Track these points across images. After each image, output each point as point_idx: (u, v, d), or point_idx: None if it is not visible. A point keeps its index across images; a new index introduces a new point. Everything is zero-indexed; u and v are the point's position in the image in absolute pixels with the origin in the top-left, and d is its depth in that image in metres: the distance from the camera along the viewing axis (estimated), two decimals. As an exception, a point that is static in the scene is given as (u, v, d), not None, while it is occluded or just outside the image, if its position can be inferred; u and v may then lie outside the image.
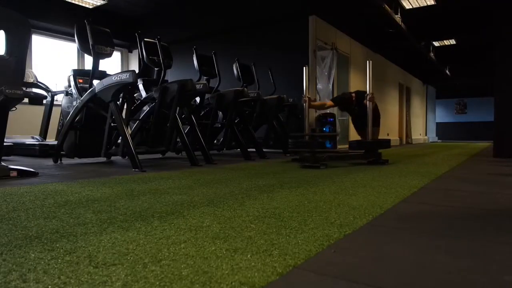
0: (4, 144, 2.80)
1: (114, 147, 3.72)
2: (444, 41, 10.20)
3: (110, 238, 1.11)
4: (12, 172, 2.63)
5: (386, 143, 4.17)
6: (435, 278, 0.82)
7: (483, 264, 0.92)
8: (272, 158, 4.55)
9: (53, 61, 7.42)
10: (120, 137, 3.42)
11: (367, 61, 3.97)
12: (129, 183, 2.35)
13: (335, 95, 7.12)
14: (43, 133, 5.29)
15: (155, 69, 4.31)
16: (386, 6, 6.68)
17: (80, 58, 7.65)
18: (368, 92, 3.92)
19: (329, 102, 4.84)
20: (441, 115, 18.06)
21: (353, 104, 4.65)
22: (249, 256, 0.95)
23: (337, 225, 1.26)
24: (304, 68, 4.24)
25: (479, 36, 9.36)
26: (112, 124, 3.47)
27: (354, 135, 8.11)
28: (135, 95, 4.18)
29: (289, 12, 6.57)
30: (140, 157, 3.25)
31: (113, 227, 1.24)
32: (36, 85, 4.95)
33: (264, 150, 4.83)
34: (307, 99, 4.22)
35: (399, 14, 7.43)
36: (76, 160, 3.95)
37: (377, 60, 9.63)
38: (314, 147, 3.60)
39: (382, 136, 10.15)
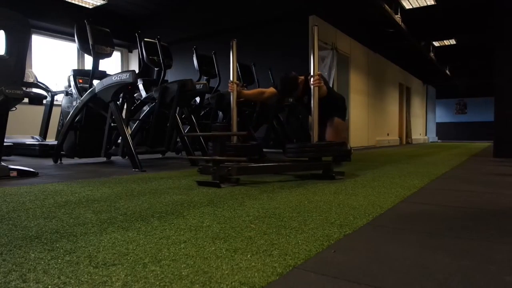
0: (4, 144, 2.80)
1: (114, 147, 3.72)
2: (444, 41, 10.20)
3: (110, 238, 1.11)
4: (12, 172, 2.63)
5: (339, 146, 2.75)
6: (435, 278, 0.82)
7: (483, 264, 0.92)
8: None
9: (53, 61, 7.42)
10: (120, 137, 3.42)
11: (313, 27, 2.81)
12: (129, 183, 2.34)
13: (335, 95, 7.12)
14: (43, 133, 5.29)
15: (155, 69, 4.31)
16: (386, 6, 6.69)
17: (80, 58, 7.65)
18: (312, 73, 2.72)
19: (270, 89, 3.45)
20: (441, 115, 18.06)
21: (301, 92, 3.31)
22: (249, 256, 0.95)
23: (337, 225, 1.26)
24: (232, 42, 3.04)
25: (479, 36, 9.37)
26: (112, 124, 3.47)
27: (354, 136, 8.14)
28: (135, 95, 4.19)
29: (289, 12, 6.57)
30: (140, 157, 3.25)
31: (113, 227, 1.24)
32: (36, 85, 4.95)
33: (264, 150, 4.83)
34: (234, 86, 3.02)
35: (399, 14, 7.43)
36: (76, 160, 3.95)
37: (377, 60, 9.64)
38: (216, 154, 2.34)
39: (382, 137, 10.20)
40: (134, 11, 7.89)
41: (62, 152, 3.71)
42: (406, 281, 0.81)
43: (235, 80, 3.04)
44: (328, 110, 3.29)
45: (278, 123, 5.58)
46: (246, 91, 3.38)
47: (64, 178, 2.62)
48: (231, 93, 3.07)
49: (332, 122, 3.47)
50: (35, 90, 4.78)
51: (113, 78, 3.30)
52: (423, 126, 15.14)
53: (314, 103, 2.70)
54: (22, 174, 2.69)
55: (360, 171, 3.08)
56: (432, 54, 10.68)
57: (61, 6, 6.92)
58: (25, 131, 5.55)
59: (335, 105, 3.52)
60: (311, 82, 2.72)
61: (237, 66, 5.30)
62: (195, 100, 4.80)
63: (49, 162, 3.84)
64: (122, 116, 3.41)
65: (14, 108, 2.62)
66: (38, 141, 5.09)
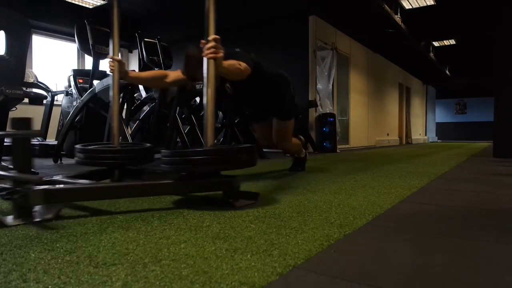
0: (4, 144, 2.81)
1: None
2: (444, 41, 10.20)
3: (110, 238, 1.11)
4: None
5: (247, 153, 1.75)
6: (435, 278, 0.82)
7: (483, 264, 0.92)
8: (272, 158, 4.55)
9: (53, 61, 7.42)
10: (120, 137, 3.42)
11: None
12: (129, 183, 2.34)
13: (335, 95, 7.12)
14: (43, 133, 5.29)
15: (155, 69, 4.31)
16: (386, 6, 6.68)
17: (80, 58, 7.65)
18: (209, 37, 1.67)
19: (177, 73, 2.31)
20: (441, 115, 18.06)
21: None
22: (249, 256, 0.95)
23: (337, 225, 1.26)
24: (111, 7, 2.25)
25: (479, 36, 9.37)
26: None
27: (354, 136, 8.14)
28: (135, 95, 4.19)
29: (289, 12, 6.56)
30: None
31: (113, 227, 1.24)
32: (36, 85, 4.95)
33: (264, 150, 4.83)
34: (115, 65, 2.14)
35: (399, 14, 7.43)
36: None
37: (377, 60, 9.64)
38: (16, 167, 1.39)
39: (382, 137, 10.20)
40: (134, 11, 7.88)
41: (62, 152, 3.71)
42: (406, 281, 0.81)
43: (116, 56, 2.16)
44: (262, 101, 2.50)
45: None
46: (135, 74, 2.38)
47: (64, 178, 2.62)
48: (112, 74, 2.19)
49: (278, 121, 2.68)
50: (35, 90, 4.77)
51: (113, 78, 3.30)
52: (423, 126, 15.14)
53: (207, 87, 1.66)
54: (22, 174, 2.68)
55: (360, 171, 3.08)
56: (432, 54, 10.68)
57: (61, 6, 6.92)
58: (25, 131, 5.54)
59: (274, 94, 2.53)
60: (204, 51, 1.65)
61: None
62: (195, 100, 4.80)
63: (49, 162, 3.84)
64: (122, 116, 3.41)
65: (14, 108, 2.62)
66: (38, 141, 5.09)
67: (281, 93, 2.59)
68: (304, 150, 3.10)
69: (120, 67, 2.14)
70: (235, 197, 1.64)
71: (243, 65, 1.97)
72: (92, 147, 2.18)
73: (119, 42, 2.22)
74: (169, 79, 2.32)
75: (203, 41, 1.67)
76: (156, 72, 2.61)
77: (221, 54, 1.65)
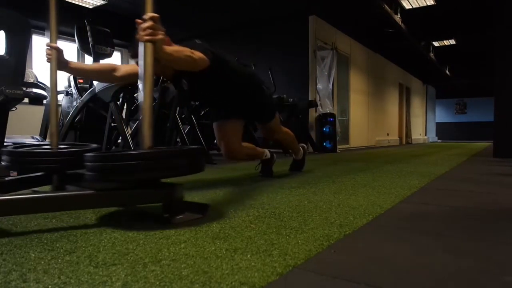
0: (4, 144, 2.81)
1: (114, 147, 3.72)
2: (444, 41, 10.20)
3: (110, 238, 1.11)
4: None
5: (180, 158, 1.37)
6: (435, 278, 0.82)
7: (483, 264, 0.92)
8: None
9: (53, 61, 7.42)
10: (120, 137, 3.42)
11: None
12: (129, 183, 2.34)
13: (335, 95, 7.12)
14: (43, 133, 5.29)
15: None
16: (386, 6, 6.69)
17: (80, 58, 7.65)
18: (145, 16, 1.42)
19: (128, 67, 2.07)
20: (441, 115, 18.06)
21: (170, 70, 1.93)
22: (249, 256, 0.95)
23: (337, 225, 1.26)
24: None
25: (479, 36, 9.37)
26: (112, 124, 3.47)
27: (354, 136, 8.14)
28: (135, 95, 4.19)
29: (289, 12, 6.57)
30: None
31: (113, 227, 1.24)
32: (36, 85, 4.95)
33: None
34: (53, 53, 1.81)
35: (399, 14, 7.43)
36: (76, 160, 3.94)
37: (377, 60, 9.64)
38: None
39: (382, 137, 10.21)
40: (134, 11, 7.89)
41: (62, 152, 3.70)
42: (406, 281, 0.81)
43: (54, 43, 1.84)
44: (232, 101, 2.20)
45: (278, 123, 5.56)
46: (77, 64, 2.04)
47: (64, 178, 2.62)
48: (50, 64, 1.83)
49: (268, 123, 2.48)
50: (35, 90, 4.77)
51: (113, 78, 3.29)
52: (423, 126, 15.15)
53: (144, 78, 1.44)
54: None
55: (360, 171, 3.08)
56: (432, 54, 10.68)
57: (61, 6, 6.92)
58: (25, 131, 5.55)
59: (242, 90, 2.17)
60: (138, 34, 1.38)
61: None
62: (195, 100, 4.79)
63: (49, 162, 3.83)
64: (122, 116, 3.41)
65: (14, 108, 2.63)
66: (38, 141, 5.09)
67: (257, 96, 2.31)
68: (303, 150, 3.09)
69: (59, 55, 1.81)
70: (174, 211, 1.33)
71: (197, 54, 1.68)
72: (24, 149, 1.85)
73: (57, 27, 1.96)
74: (119, 73, 2.02)
75: (138, 20, 1.38)
76: (103, 64, 2.32)
77: (160, 36, 1.37)
